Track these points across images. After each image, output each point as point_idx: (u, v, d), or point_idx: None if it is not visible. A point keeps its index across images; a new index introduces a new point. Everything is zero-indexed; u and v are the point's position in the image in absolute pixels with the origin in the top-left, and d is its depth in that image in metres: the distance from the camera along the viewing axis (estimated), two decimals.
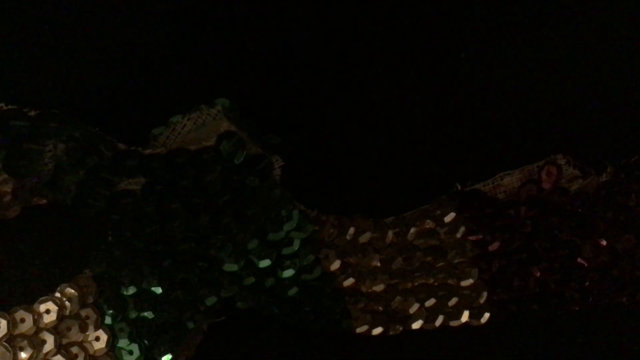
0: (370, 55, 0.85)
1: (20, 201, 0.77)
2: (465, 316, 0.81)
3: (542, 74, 0.86)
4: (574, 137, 0.85)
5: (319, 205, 0.80)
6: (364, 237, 0.80)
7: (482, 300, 0.81)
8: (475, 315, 0.81)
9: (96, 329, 0.75)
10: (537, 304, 0.81)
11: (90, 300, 0.75)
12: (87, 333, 0.75)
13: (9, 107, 0.75)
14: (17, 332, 0.74)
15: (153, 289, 0.76)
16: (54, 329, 0.74)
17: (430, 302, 0.81)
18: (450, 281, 0.81)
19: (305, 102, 0.84)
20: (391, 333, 0.80)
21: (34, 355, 0.73)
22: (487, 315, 0.81)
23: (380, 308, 0.80)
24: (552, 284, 0.81)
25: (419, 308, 0.80)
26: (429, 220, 0.81)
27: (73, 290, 0.75)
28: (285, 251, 0.78)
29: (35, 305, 0.74)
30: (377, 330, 0.80)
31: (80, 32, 0.82)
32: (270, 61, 0.84)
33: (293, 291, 0.78)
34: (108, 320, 0.75)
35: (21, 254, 0.78)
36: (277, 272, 0.78)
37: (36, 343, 0.74)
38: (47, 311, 0.74)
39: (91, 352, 0.75)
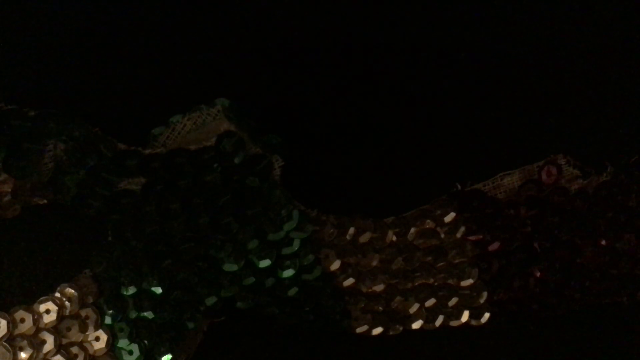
0: (370, 55, 0.85)
1: (20, 201, 0.77)
2: (465, 316, 0.81)
3: (541, 73, 0.86)
4: (574, 137, 0.85)
5: (319, 205, 0.80)
6: (364, 237, 0.80)
7: (482, 300, 0.81)
8: (475, 315, 0.81)
9: (96, 329, 0.75)
10: (537, 304, 0.81)
11: (90, 300, 0.75)
12: (87, 333, 0.75)
13: (9, 107, 0.75)
14: (17, 332, 0.74)
15: (153, 289, 0.76)
16: (54, 329, 0.74)
17: (430, 302, 0.81)
18: (450, 281, 0.81)
19: (305, 102, 0.84)
20: (391, 333, 0.80)
21: (34, 355, 0.73)
22: (487, 315, 0.81)
23: (380, 308, 0.80)
24: (552, 284, 0.81)
25: (419, 308, 0.80)
26: (429, 220, 0.81)
27: (73, 290, 0.75)
28: (285, 251, 0.78)
29: (35, 305, 0.74)
30: (377, 330, 0.80)
31: (80, 33, 0.82)
32: (270, 61, 0.84)
33: (293, 291, 0.78)
34: (108, 320, 0.75)
35: (21, 254, 0.78)
36: (277, 272, 0.78)
37: (36, 343, 0.74)
38: (47, 311, 0.74)
39: (91, 352, 0.75)
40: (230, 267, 0.77)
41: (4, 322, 0.73)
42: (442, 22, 0.85)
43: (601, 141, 0.85)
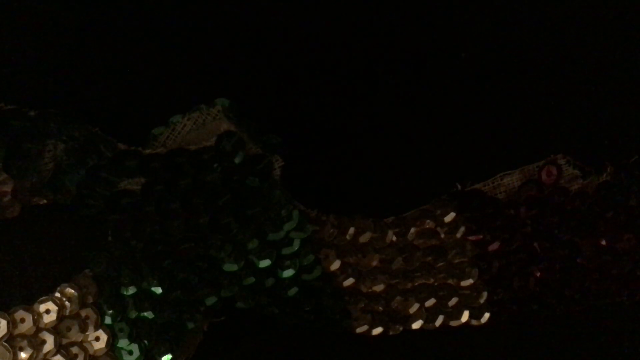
0: (370, 55, 0.85)
1: (20, 201, 0.77)
2: (465, 316, 0.81)
3: (541, 73, 0.86)
4: (574, 137, 0.85)
5: (319, 205, 0.80)
6: (364, 237, 0.80)
7: (482, 300, 0.81)
8: (475, 315, 0.81)
9: (96, 329, 0.75)
10: (537, 304, 0.81)
11: (90, 300, 0.75)
12: (87, 333, 0.75)
13: (9, 107, 0.75)
14: (17, 332, 0.74)
15: (153, 289, 0.76)
16: (54, 329, 0.74)
17: (430, 302, 0.81)
18: (450, 281, 0.81)
19: (305, 102, 0.84)
20: (391, 333, 0.80)
21: (34, 355, 0.73)
22: (487, 315, 0.81)
23: (380, 308, 0.80)
24: (552, 284, 0.81)
25: (419, 308, 0.81)
26: (429, 220, 0.81)
27: (73, 290, 0.75)
28: (285, 251, 0.78)
29: (35, 305, 0.74)
30: (377, 330, 0.80)
31: (80, 32, 0.82)
32: (270, 61, 0.84)
33: (293, 291, 0.78)
34: (108, 320, 0.75)
35: (21, 254, 0.78)
36: (277, 272, 0.78)
37: (36, 343, 0.74)
38: (47, 311, 0.74)
39: (91, 352, 0.75)
40: (230, 267, 0.77)
41: (4, 322, 0.73)
42: (442, 22, 0.85)
43: (601, 141, 0.85)
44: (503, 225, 0.81)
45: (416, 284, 0.81)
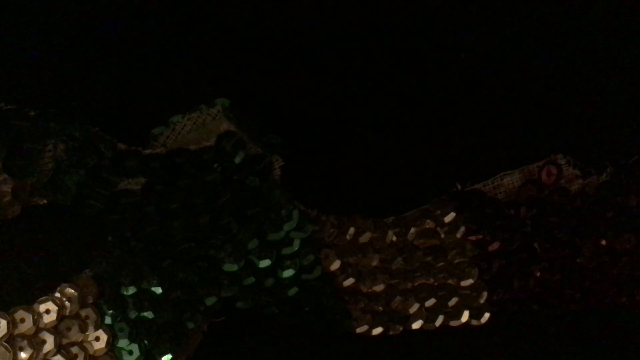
0: (370, 55, 0.85)
1: (20, 201, 0.77)
2: (465, 316, 0.81)
3: (542, 74, 0.86)
4: (574, 137, 0.85)
5: (319, 205, 0.80)
6: (364, 237, 0.80)
7: (482, 300, 0.81)
8: (475, 315, 0.81)
9: (96, 329, 0.75)
10: (537, 304, 0.81)
11: (90, 300, 0.75)
12: (87, 333, 0.75)
13: (9, 107, 0.75)
14: (17, 332, 0.74)
15: (153, 289, 0.76)
16: (54, 329, 0.74)
17: (430, 302, 0.81)
18: (450, 281, 0.81)
19: (306, 102, 0.84)
20: (391, 333, 0.80)
21: (34, 355, 0.73)
22: (487, 315, 0.81)
23: (380, 308, 0.80)
24: (552, 284, 0.81)
25: (419, 308, 0.81)
26: (429, 220, 0.81)
27: (73, 290, 0.75)
28: (285, 251, 0.78)
29: (35, 305, 0.74)
30: (377, 330, 0.80)
31: (80, 32, 0.82)
32: (270, 61, 0.84)
33: (293, 291, 0.78)
34: (108, 320, 0.75)
35: (21, 254, 0.78)
36: (277, 272, 0.78)
37: (36, 343, 0.74)
38: (47, 311, 0.74)
39: (91, 352, 0.75)
40: (230, 267, 0.77)
41: (4, 322, 0.73)
42: (442, 22, 0.85)
43: (601, 141, 0.85)
44: (503, 225, 0.81)
45: (416, 284, 0.81)
